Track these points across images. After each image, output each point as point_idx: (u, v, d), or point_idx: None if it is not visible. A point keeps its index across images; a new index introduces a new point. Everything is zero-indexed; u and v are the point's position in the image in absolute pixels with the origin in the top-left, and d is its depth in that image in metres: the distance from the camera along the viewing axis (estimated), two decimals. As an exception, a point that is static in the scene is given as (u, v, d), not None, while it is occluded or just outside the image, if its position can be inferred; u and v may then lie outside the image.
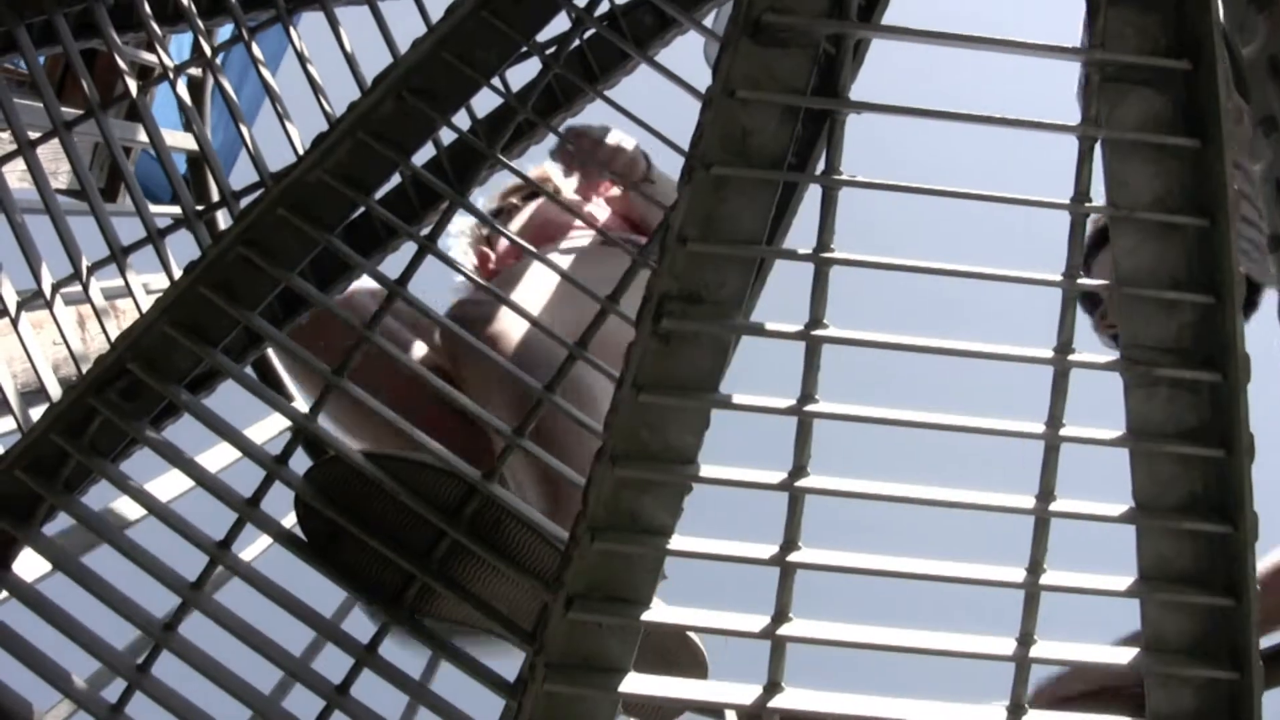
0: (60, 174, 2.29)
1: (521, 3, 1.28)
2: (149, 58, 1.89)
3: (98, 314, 1.51)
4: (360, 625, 1.37)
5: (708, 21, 1.62)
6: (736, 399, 1.02)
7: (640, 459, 1.02)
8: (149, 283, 1.66)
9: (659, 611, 1.04)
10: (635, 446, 1.02)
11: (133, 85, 1.50)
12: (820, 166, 1.01)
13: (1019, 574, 1.04)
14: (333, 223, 1.29)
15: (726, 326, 1.00)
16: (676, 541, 1.03)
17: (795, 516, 1.02)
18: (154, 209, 1.92)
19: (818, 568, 1.02)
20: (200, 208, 1.46)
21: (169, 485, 1.59)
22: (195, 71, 2.15)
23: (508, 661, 1.30)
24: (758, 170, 0.99)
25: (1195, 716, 1.06)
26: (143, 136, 1.93)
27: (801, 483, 1.01)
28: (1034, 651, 1.04)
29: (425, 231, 1.31)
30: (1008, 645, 1.05)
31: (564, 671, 1.04)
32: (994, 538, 1.21)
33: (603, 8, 1.48)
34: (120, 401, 1.30)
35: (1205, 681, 1.05)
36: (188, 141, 2.12)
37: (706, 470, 1.02)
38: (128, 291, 1.49)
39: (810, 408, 1.00)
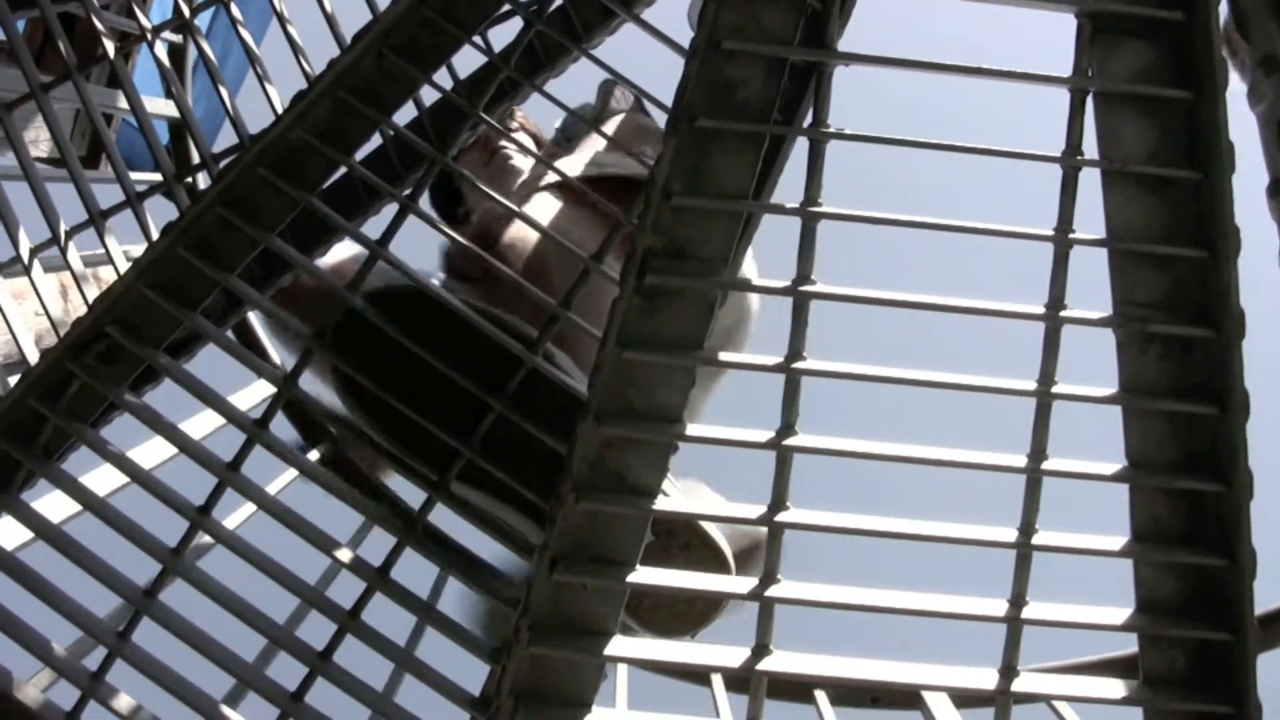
0: (41, 142, 2.26)
1: (505, -42, 1.26)
2: (130, 23, 1.87)
3: (76, 280, 1.48)
4: (345, 591, 1.35)
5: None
6: (723, 356, 1.01)
7: (625, 417, 1.00)
8: (130, 250, 1.64)
9: (645, 573, 1.02)
10: (620, 405, 1.00)
11: (110, 47, 1.47)
12: (808, 120, 1.00)
13: (1010, 534, 1.02)
14: (313, 183, 1.27)
15: (712, 283, 0.98)
16: (662, 502, 1.01)
17: (783, 476, 1.00)
18: (135, 175, 1.91)
19: (807, 528, 1.00)
20: (179, 172, 1.43)
21: (149, 453, 1.57)
22: (178, 39, 2.13)
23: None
24: (743, 123, 0.97)
25: (1189, 677, 1.04)
26: (123, 103, 1.90)
27: (789, 441, 0.99)
28: (1026, 613, 1.03)
29: (406, 192, 1.29)
30: (999, 607, 1.03)
31: (548, 634, 1.03)
32: (986, 498, 1.19)
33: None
34: (98, 365, 1.28)
35: (1199, 643, 1.04)
36: (169, 109, 2.09)
37: (693, 429, 1.00)
38: (107, 257, 1.47)
39: (798, 365, 0.98)
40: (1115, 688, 1.07)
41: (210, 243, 1.25)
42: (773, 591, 1.01)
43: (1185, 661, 1.05)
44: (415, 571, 1.42)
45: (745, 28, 0.97)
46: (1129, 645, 1.11)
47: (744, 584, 1.01)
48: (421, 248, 1.35)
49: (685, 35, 1.08)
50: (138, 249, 1.66)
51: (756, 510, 1.01)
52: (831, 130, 0.97)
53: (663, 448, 1.01)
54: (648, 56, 1.38)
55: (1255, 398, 0.99)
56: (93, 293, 1.43)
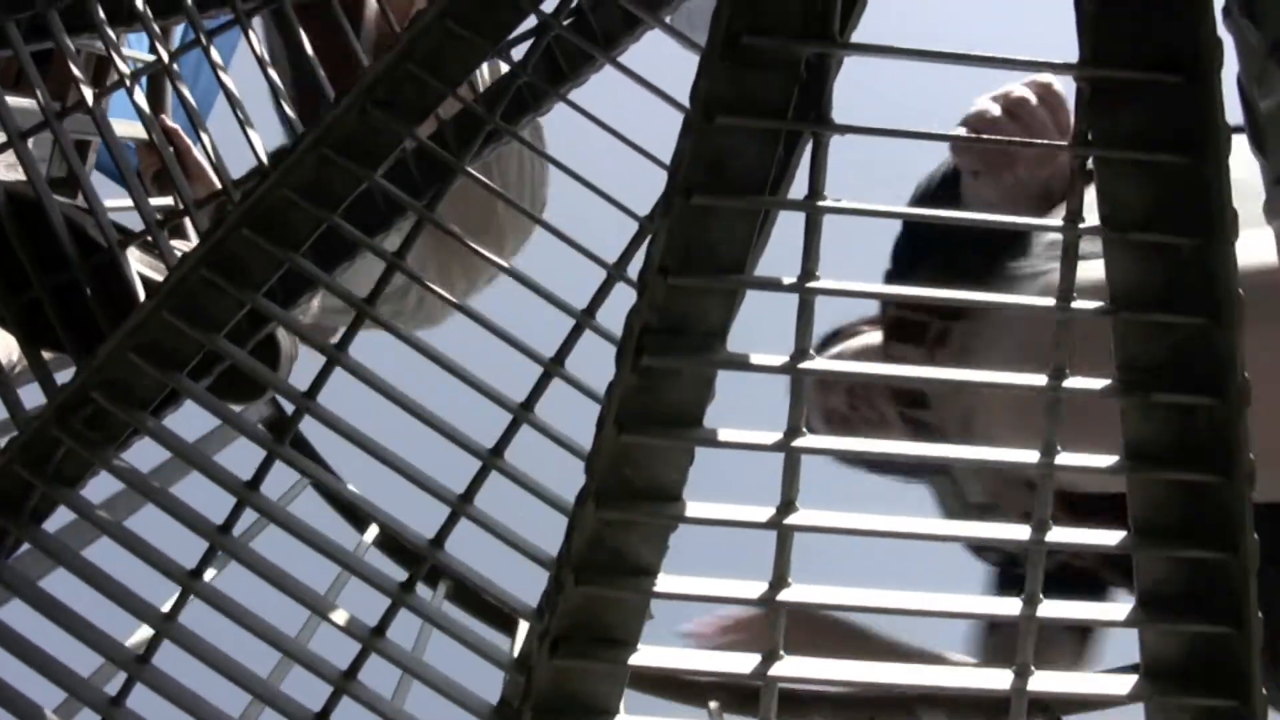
0: (19, 167, 2.23)
1: (489, 8, 1.24)
2: (103, 50, 1.84)
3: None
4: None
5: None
6: (722, 435, 0.99)
7: (623, 498, 0.98)
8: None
9: (647, 654, 1.01)
10: (618, 485, 0.98)
11: (88, 94, 1.45)
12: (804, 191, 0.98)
13: (1024, 531, 1.00)
14: (300, 239, 1.25)
15: (710, 361, 0.97)
16: (663, 581, 1.00)
17: (785, 553, 0.99)
18: (119, 207, 1.88)
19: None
20: (161, 218, 1.41)
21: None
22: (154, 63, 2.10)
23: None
24: (740, 199, 0.96)
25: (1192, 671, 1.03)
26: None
27: (791, 520, 0.98)
28: (1041, 611, 1.01)
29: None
30: (1014, 605, 1.02)
31: (552, 715, 1.01)
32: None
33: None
34: (85, 430, 1.27)
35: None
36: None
37: (693, 509, 0.99)
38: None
39: (799, 442, 0.97)
40: (1118, 683, 1.06)
41: (196, 305, 1.24)
42: (784, 596, 0.99)
43: (1188, 656, 1.04)
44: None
45: (737, 101, 0.95)
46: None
47: (748, 662, 1.00)
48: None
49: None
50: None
51: (759, 588, 0.99)
52: (829, 204, 0.96)
53: (662, 526, 1.00)
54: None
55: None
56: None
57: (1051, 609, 1.02)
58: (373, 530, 2.03)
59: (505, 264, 1.29)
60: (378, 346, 1.36)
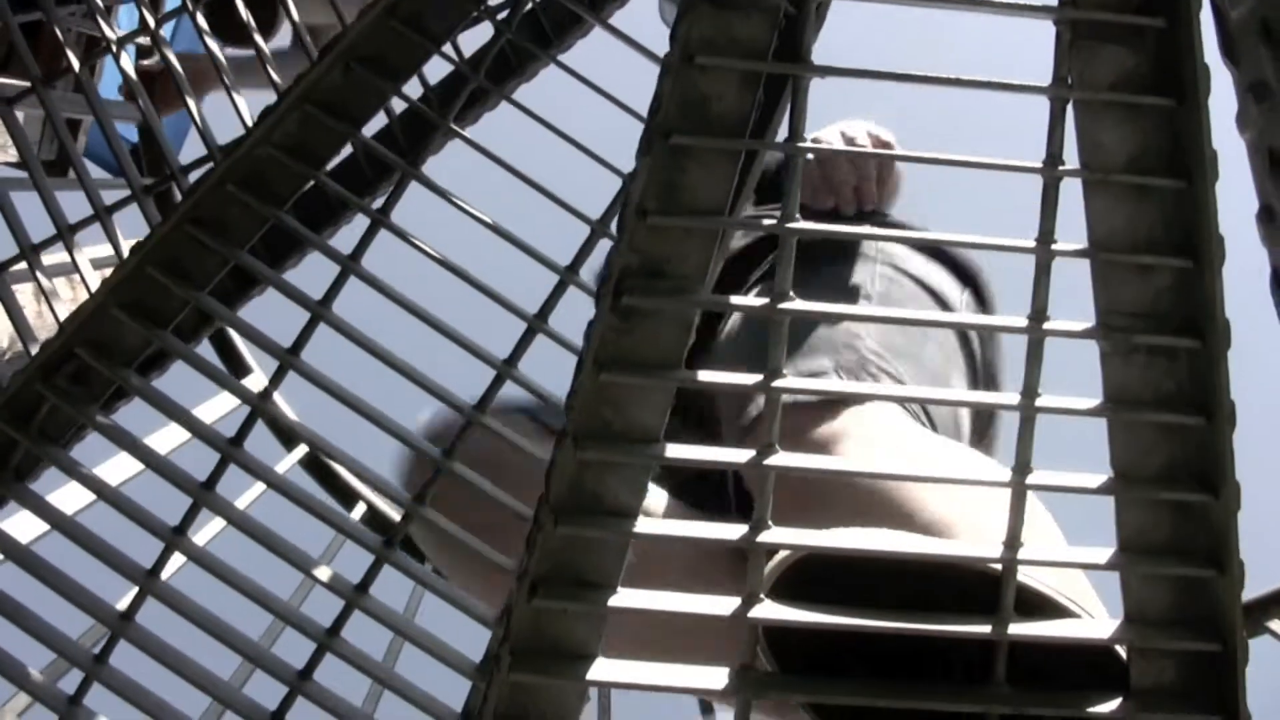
0: (9, 147, 2.24)
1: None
2: (95, 29, 1.84)
3: (46, 296, 1.47)
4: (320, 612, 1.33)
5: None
6: (702, 376, 0.99)
7: (603, 440, 0.98)
8: (97, 255, 1.62)
9: (626, 596, 1.00)
10: (597, 427, 0.98)
11: (74, 60, 1.45)
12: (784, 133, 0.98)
13: (996, 549, 1.01)
14: (283, 197, 1.25)
15: (688, 301, 0.97)
16: (643, 523, 0.99)
17: (764, 496, 0.98)
18: (106, 181, 1.89)
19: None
20: (147, 183, 1.41)
21: (128, 465, 1.56)
22: (146, 41, 2.10)
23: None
24: (719, 139, 0.96)
25: (1177, 688, 1.03)
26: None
27: (770, 461, 0.97)
28: (1013, 629, 1.01)
29: (378, 205, 1.27)
30: (985, 625, 1.02)
31: (530, 659, 1.01)
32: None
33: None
34: (69, 386, 1.26)
35: (1188, 653, 1.02)
36: (137, 115, 2.07)
37: (673, 450, 0.98)
38: (76, 270, 1.45)
39: (779, 383, 0.97)
40: (1101, 629, 1.05)
41: (180, 261, 1.24)
42: (764, 537, 0.99)
43: (1175, 672, 1.04)
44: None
45: (718, 41, 0.95)
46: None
47: (727, 604, 1.00)
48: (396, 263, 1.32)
49: (658, 34, 1.07)
50: (106, 248, 1.64)
51: (739, 529, 0.99)
52: (808, 144, 0.96)
53: (641, 468, 0.99)
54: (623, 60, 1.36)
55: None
56: (61, 306, 1.41)
57: (1023, 627, 1.02)
58: (359, 509, 2.03)
59: (487, 219, 1.29)
60: (358, 303, 1.35)
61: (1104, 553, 1.02)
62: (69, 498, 1.45)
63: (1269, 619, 1.75)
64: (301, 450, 2.10)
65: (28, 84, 1.52)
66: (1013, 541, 1.01)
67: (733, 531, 0.99)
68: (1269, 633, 1.74)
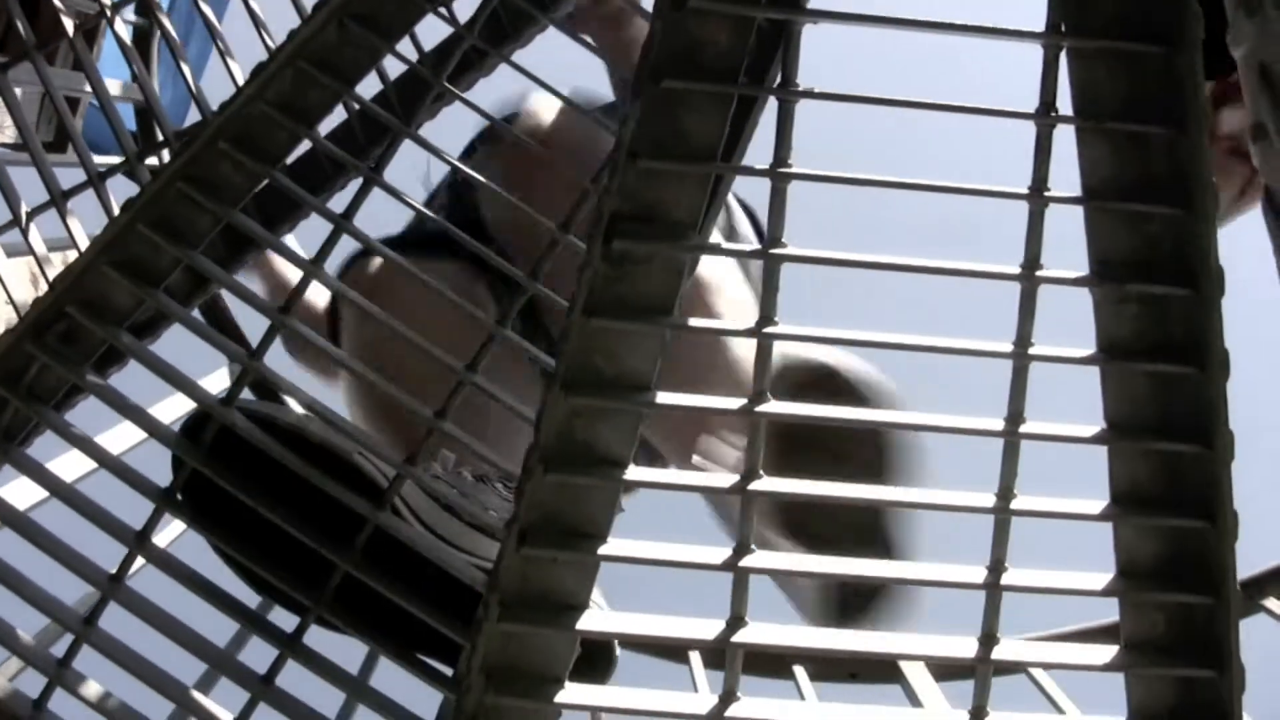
0: (6, 128, 2.23)
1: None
2: (90, 3, 1.84)
3: (39, 262, 1.46)
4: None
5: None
6: (693, 323, 0.99)
7: (593, 387, 0.98)
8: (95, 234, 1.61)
9: (616, 546, 1.00)
10: (588, 374, 0.98)
11: (69, 24, 1.45)
12: (776, 79, 0.98)
13: (989, 499, 1.00)
14: (276, 156, 1.25)
15: (680, 247, 0.96)
16: (633, 471, 0.99)
17: (756, 445, 0.98)
18: (100, 160, 1.88)
19: (781, 495, 0.98)
20: (142, 151, 1.41)
21: (115, 438, 1.55)
22: (143, 21, 2.10)
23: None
24: (710, 84, 0.95)
25: (1171, 642, 1.03)
26: (86, 86, 1.87)
27: (763, 408, 0.97)
28: (1005, 579, 1.01)
29: (371, 164, 1.27)
30: (978, 574, 1.02)
31: (519, 609, 1.01)
32: (963, 464, 1.18)
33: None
34: (59, 346, 1.26)
35: (1180, 607, 1.02)
36: (134, 93, 2.06)
37: (664, 396, 0.98)
38: (69, 236, 1.44)
39: (770, 330, 0.96)
40: (1096, 654, 1.05)
41: (172, 219, 1.23)
42: (747, 561, 0.99)
43: (1167, 626, 1.03)
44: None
45: (710, -14, 0.94)
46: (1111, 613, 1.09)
47: (717, 554, 0.99)
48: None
49: None
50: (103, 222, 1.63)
51: (731, 478, 0.99)
52: (801, 89, 0.95)
53: (632, 416, 0.99)
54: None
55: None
56: (54, 272, 1.41)
57: (1016, 577, 1.02)
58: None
59: (482, 178, 1.28)
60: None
61: (1096, 505, 1.02)
62: (60, 463, 1.44)
63: (1264, 597, 1.74)
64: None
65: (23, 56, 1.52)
66: (1005, 493, 1.01)
67: (724, 480, 0.99)
68: (1264, 611, 1.73)
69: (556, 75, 1.35)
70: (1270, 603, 1.74)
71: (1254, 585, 1.73)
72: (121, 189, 1.52)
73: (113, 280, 1.24)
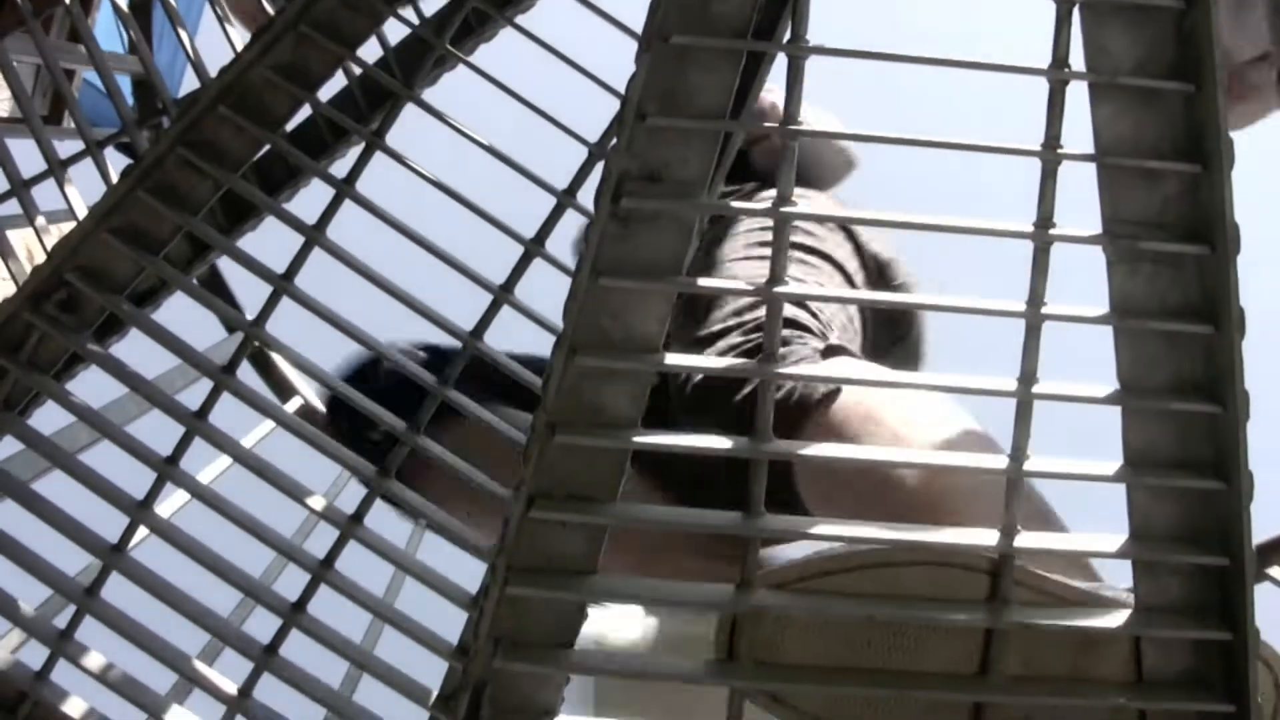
0: (2, 100, 2.23)
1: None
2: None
3: (38, 233, 1.45)
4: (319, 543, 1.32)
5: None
6: (702, 282, 0.97)
7: (601, 348, 0.96)
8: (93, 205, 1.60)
9: (625, 510, 0.99)
10: (595, 335, 0.96)
11: (65, -11, 1.43)
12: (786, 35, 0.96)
13: (1001, 461, 0.99)
14: (277, 121, 1.24)
15: (689, 205, 0.95)
16: (642, 433, 0.98)
17: (764, 406, 0.97)
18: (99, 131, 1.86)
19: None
20: (140, 119, 1.39)
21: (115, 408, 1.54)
22: None
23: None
24: (719, 39, 0.94)
25: (1185, 604, 1.02)
26: (83, 55, 1.86)
27: (779, 369, 0.96)
28: (1018, 541, 1.00)
29: (373, 128, 1.26)
30: (990, 536, 1.00)
31: (527, 574, 0.99)
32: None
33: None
34: (59, 314, 1.24)
35: (1195, 569, 1.01)
36: (131, 65, 2.05)
37: (672, 357, 0.97)
38: (67, 206, 1.43)
39: (780, 289, 0.95)
40: (1106, 542, 1.04)
41: (172, 185, 1.22)
42: (758, 524, 0.98)
43: (1180, 589, 1.02)
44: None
45: (720, -60, 0.93)
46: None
47: (728, 516, 0.98)
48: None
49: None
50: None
51: (742, 441, 0.97)
52: (811, 45, 0.94)
53: (640, 378, 0.98)
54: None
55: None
56: (53, 242, 1.39)
57: (1029, 539, 1.00)
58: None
59: (483, 141, 1.27)
60: (351, 235, 1.33)
61: (1109, 466, 1.01)
62: (61, 432, 1.42)
63: (1268, 565, 1.73)
64: (295, 402, 2.08)
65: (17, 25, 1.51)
66: (1018, 454, 0.99)
67: (737, 445, 0.98)
68: (1270, 580, 1.72)
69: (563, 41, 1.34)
70: (1276, 571, 1.73)
71: (1260, 554, 1.72)
72: (117, 164, 1.51)
73: (112, 248, 1.22)
